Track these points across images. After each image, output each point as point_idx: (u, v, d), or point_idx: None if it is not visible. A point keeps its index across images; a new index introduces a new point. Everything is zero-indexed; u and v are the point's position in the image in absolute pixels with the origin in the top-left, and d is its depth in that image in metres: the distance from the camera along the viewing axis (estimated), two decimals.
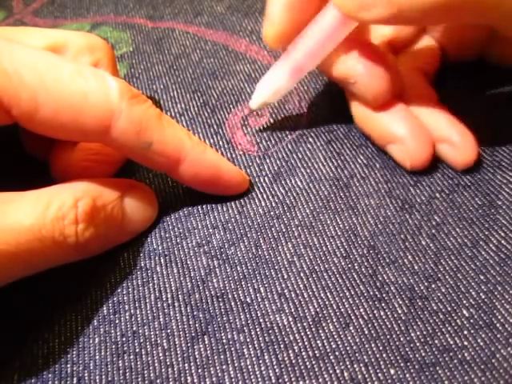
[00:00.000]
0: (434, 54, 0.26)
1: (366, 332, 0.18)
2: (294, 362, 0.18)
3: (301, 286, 0.20)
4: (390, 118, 0.23)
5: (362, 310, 0.19)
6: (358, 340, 0.18)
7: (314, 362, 0.18)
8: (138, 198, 0.21)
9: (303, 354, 0.18)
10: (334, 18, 0.20)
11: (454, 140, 0.22)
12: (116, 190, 0.20)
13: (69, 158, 0.22)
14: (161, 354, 0.18)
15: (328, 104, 0.27)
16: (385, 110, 0.23)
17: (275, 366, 0.18)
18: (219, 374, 0.18)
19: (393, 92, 0.22)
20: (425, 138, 0.22)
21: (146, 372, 0.18)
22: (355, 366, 0.17)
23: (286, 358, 0.18)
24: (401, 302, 0.19)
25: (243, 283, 0.20)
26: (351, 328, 0.18)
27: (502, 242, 0.20)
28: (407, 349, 0.18)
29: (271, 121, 0.26)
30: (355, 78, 0.22)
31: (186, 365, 0.18)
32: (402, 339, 0.18)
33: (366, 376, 0.17)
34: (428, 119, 0.23)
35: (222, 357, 0.18)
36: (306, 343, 0.18)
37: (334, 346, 0.18)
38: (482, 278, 0.19)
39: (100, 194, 0.19)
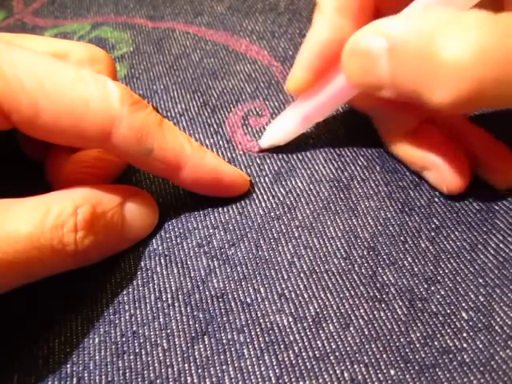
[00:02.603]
0: None
1: (366, 333, 0.18)
2: (294, 362, 0.18)
3: (301, 286, 0.20)
4: (422, 144, 0.22)
5: (362, 310, 0.19)
6: (358, 341, 0.18)
7: (314, 363, 0.18)
8: (139, 204, 0.21)
9: (303, 354, 0.18)
10: (345, 85, 0.21)
11: (491, 163, 0.22)
12: (116, 197, 0.20)
13: (62, 168, 0.22)
14: (161, 354, 0.18)
15: None
16: (417, 135, 0.22)
17: (275, 367, 0.18)
18: (219, 375, 0.18)
19: (418, 120, 0.22)
20: (460, 161, 0.21)
21: (145, 372, 0.18)
22: (355, 366, 0.17)
23: (286, 359, 0.18)
24: (401, 304, 0.19)
25: (243, 284, 0.20)
26: (351, 329, 0.18)
27: (501, 245, 0.20)
28: (407, 350, 0.18)
29: (272, 121, 0.26)
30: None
31: (186, 365, 0.18)
32: (402, 340, 0.18)
33: (367, 376, 0.17)
34: (463, 140, 0.22)
35: (221, 357, 0.18)
36: (306, 344, 0.18)
37: (334, 347, 0.18)
38: (480, 280, 0.19)
39: (100, 201, 0.19)
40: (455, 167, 0.21)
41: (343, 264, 0.20)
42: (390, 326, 0.18)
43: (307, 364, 0.18)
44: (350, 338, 0.18)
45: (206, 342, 0.19)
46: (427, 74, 0.17)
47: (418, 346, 0.18)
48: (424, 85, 0.17)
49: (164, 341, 0.19)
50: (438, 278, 0.20)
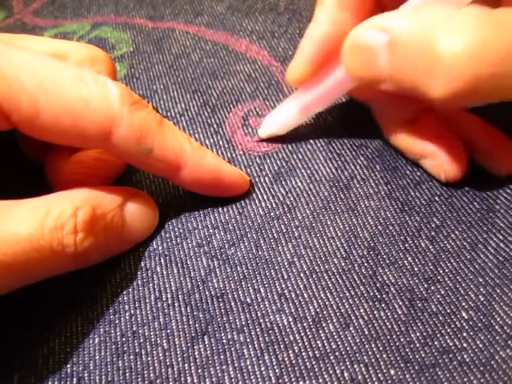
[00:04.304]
0: None
1: (366, 332, 0.18)
2: (294, 362, 0.18)
3: (301, 286, 0.20)
4: (420, 133, 0.22)
5: (362, 310, 0.19)
6: (358, 340, 0.18)
7: (314, 363, 0.18)
8: (139, 206, 0.21)
9: (303, 354, 0.18)
10: (344, 77, 0.22)
11: (490, 150, 0.22)
12: (116, 199, 0.20)
13: (62, 168, 0.22)
14: (161, 354, 0.18)
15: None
16: (415, 124, 0.23)
17: (275, 367, 0.18)
18: (219, 375, 0.18)
19: (416, 109, 0.23)
20: (457, 150, 0.22)
21: (145, 372, 0.18)
22: (355, 366, 0.17)
23: (286, 359, 0.18)
24: (401, 303, 0.19)
25: (243, 283, 0.20)
26: (351, 328, 0.18)
27: (501, 245, 0.20)
28: (407, 350, 0.18)
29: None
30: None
31: (186, 365, 0.18)
32: (402, 340, 0.18)
33: (367, 376, 0.17)
34: (461, 128, 0.23)
35: (221, 357, 0.18)
36: (306, 343, 0.18)
37: (334, 347, 0.18)
38: (480, 280, 0.19)
39: (100, 203, 0.19)
40: (452, 155, 0.22)
41: (343, 264, 0.20)
42: (389, 326, 0.18)
43: (307, 364, 0.18)
44: (349, 338, 0.18)
45: (206, 342, 0.18)
46: (425, 68, 0.17)
47: (418, 345, 0.18)
48: (422, 79, 0.18)
49: (164, 341, 0.19)
50: (438, 277, 0.20)
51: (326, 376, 0.17)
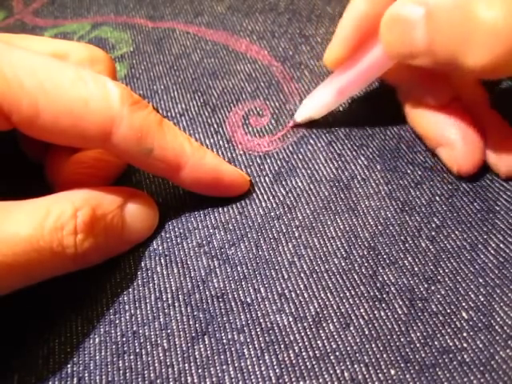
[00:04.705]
0: None
1: (367, 332, 0.18)
2: (294, 362, 0.18)
3: (301, 286, 0.20)
4: (443, 120, 0.22)
5: (362, 310, 0.19)
6: (358, 340, 0.18)
7: (314, 363, 0.18)
8: (139, 207, 0.21)
9: (303, 354, 0.18)
10: (381, 56, 0.22)
11: (502, 152, 0.22)
12: (116, 199, 0.20)
13: (62, 169, 0.22)
14: (161, 354, 0.18)
15: None
16: (440, 112, 0.23)
17: (275, 367, 0.18)
18: (219, 374, 0.18)
19: (446, 98, 0.23)
20: (475, 144, 0.22)
21: (146, 372, 0.18)
22: (355, 366, 0.17)
23: (286, 359, 0.18)
24: (401, 303, 0.19)
25: (243, 283, 0.20)
26: (351, 328, 0.18)
27: (501, 245, 0.20)
28: (407, 349, 0.18)
29: (272, 121, 0.26)
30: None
31: (186, 365, 0.18)
32: (402, 340, 0.18)
33: (367, 376, 0.17)
34: (480, 123, 0.23)
35: (222, 357, 0.18)
36: (307, 343, 0.18)
37: (334, 347, 0.18)
38: (480, 280, 0.19)
39: (100, 203, 0.19)
40: (470, 149, 0.22)
41: (343, 264, 0.20)
42: (390, 326, 0.18)
43: (307, 364, 0.18)
44: (350, 338, 0.18)
45: (206, 342, 0.19)
46: (463, 37, 0.18)
47: (418, 345, 0.18)
48: (460, 48, 0.18)
49: (164, 341, 0.19)
50: (439, 277, 0.20)
51: (326, 376, 0.17)
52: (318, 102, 0.25)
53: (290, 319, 0.19)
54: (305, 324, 0.19)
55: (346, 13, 0.23)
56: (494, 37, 0.17)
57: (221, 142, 0.26)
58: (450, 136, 0.22)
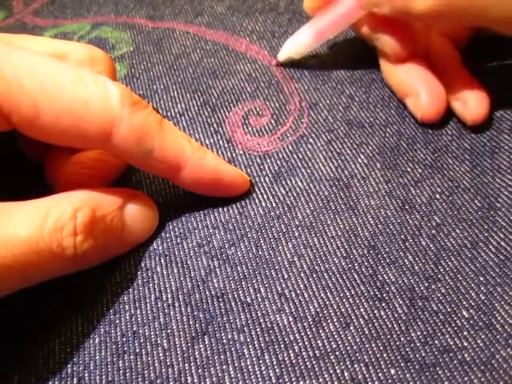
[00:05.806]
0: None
1: (367, 332, 0.18)
2: (294, 361, 0.18)
3: (301, 286, 0.20)
4: (408, 73, 0.25)
5: (362, 309, 0.19)
6: (358, 340, 0.18)
7: (314, 362, 0.18)
8: (139, 207, 0.21)
9: (303, 353, 0.18)
10: (353, 5, 0.25)
11: (466, 98, 0.24)
12: (116, 200, 0.20)
13: (62, 169, 0.22)
14: (161, 354, 0.18)
15: (328, 104, 0.27)
16: (406, 65, 0.26)
17: (275, 366, 0.18)
18: (219, 374, 0.18)
19: (410, 50, 0.25)
20: (438, 94, 0.24)
21: (146, 372, 0.18)
22: (355, 365, 0.17)
23: (286, 358, 0.18)
24: (401, 302, 0.19)
25: (243, 283, 0.20)
26: (351, 328, 0.18)
27: (502, 243, 0.20)
28: (407, 349, 0.18)
29: (272, 121, 0.26)
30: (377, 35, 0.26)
31: (186, 365, 0.18)
32: (402, 339, 0.18)
33: (367, 376, 0.17)
34: (447, 77, 0.25)
35: (222, 357, 0.18)
36: (307, 343, 0.18)
37: (334, 346, 0.18)
38: (481, 279, 0.19)
39: (99, 205, 0.19)
40: (433, 98, 0.24)
41: (343, 263, 0.20)
42: (390, 325, 0.18)
43: (307, 363, 0.18)
44: (350, 338, 0.18)
45: (206, 342, 0.18)
46: None
47: (418, 344, 0.18)
48: None
49: (164, 341, 0.19)
50: (439, 276, 0.19)
51: (326, 376, 0.17)
52: (298, 42, 0.28)
53: (290, 319, 0.19)
54: (305, 324, 0.19)
55: None
56: None
57: (220, 142, 0.26)
58: (416, 86, 0.25)
